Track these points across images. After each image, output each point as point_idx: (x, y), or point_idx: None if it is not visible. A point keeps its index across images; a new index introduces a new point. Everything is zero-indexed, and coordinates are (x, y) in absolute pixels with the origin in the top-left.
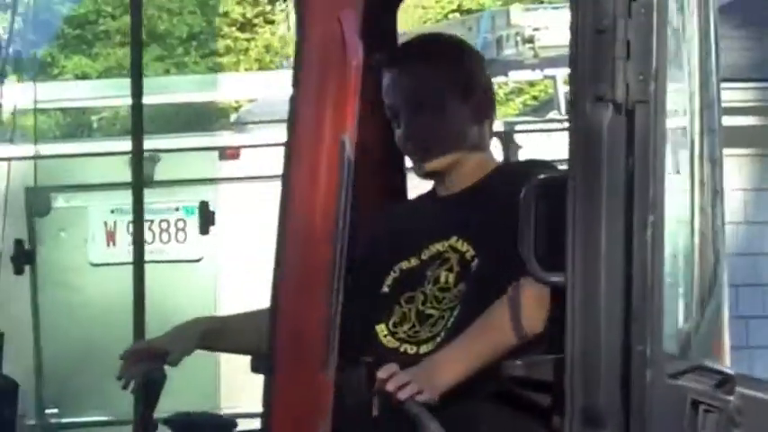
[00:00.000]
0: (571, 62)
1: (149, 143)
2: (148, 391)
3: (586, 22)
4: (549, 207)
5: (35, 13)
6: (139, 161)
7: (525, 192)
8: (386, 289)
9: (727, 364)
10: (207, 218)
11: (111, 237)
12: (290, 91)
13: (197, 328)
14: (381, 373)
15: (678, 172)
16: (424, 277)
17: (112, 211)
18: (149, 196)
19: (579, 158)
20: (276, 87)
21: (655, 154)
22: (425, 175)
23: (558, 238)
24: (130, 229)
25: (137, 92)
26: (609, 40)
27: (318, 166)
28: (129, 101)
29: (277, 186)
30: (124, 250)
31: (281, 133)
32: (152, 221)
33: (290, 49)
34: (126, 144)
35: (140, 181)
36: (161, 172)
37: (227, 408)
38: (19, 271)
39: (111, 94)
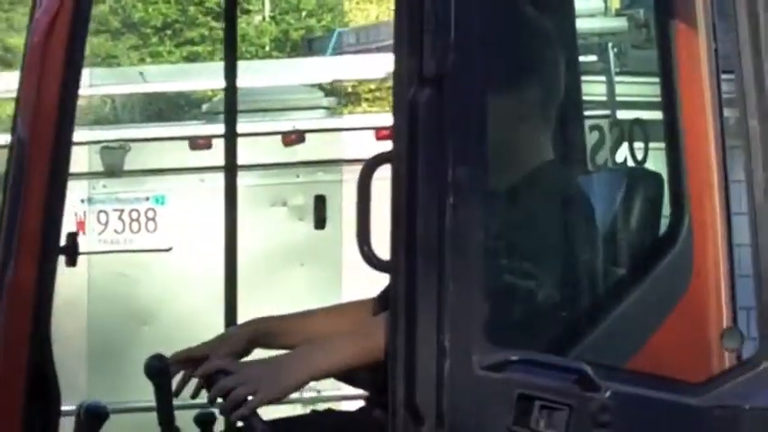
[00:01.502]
0: (394, 38)
1: (120, 133)
2: (155, 384)
3: None
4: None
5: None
6: (233, 144)
7: (361, 173)
8: None
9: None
10: (322, 212)
11: (81, 226)
12: (265, 80)
13: (246, 331)
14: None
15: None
16: None
17: (82, 201)
18: (119, 186)
19: (400, 136)
20: (250, 77)
21: (460, 131)
22: None
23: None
24: (101, 218)
25: (230, 74)
26: (418, 12)
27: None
28: (100, 90)
29: (250, 176)
30: (94, 239)
31: (253, 123)
32: (122, 211)
33: (266, 39)
34: (97, 134)
35: (234, 164)
36: (131, 161)
37: None
38: (73, 263)
39: (84, 84)
